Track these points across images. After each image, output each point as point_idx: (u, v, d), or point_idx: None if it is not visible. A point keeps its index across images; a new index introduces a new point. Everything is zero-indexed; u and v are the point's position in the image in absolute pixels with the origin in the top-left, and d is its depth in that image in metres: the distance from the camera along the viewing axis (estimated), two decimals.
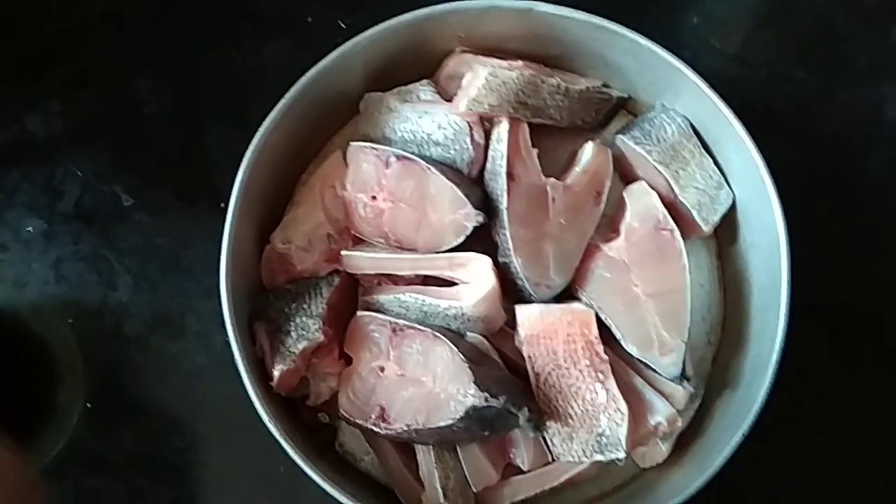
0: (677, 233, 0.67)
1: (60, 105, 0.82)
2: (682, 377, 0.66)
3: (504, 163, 0.66)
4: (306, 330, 0.66)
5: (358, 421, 0.65)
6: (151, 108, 0.82)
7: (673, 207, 0.69)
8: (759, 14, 0.86)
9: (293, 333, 0.66)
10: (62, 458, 0.75)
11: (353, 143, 0.70)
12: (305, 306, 0.67)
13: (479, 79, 0.66)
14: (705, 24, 0.85)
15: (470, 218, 0.65)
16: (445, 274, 0.67)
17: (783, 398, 0.63)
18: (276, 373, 0.64)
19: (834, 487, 0.74)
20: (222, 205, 0.66)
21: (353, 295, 0.72)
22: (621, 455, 0.63)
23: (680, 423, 0.66)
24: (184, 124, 0.82)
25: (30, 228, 0.80)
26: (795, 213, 0.65)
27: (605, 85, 0.74)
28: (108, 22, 0.83)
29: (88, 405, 0.76)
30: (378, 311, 0.68)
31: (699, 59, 0.67)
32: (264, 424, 0.63)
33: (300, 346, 0.65)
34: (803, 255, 0.64)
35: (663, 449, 0.67)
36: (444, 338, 0.63)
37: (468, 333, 0.67)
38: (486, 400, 0.59)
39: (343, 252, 0.69)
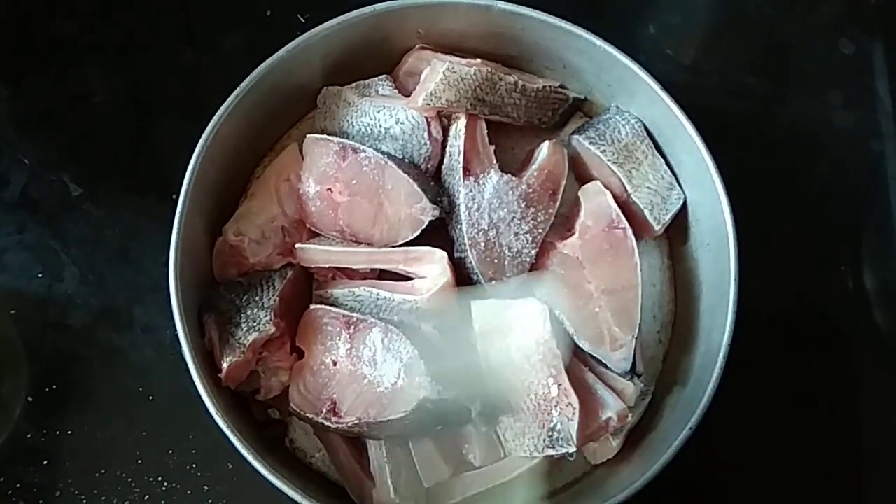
0: (630, 231, 0.68)
1: (7, 90, 0.80)
2: (633, 373, 0.66)
3: (461, 158, 0.67)
4: (257, 321, 0.65)
5: (309, 415, 0.65)
6: (102, 97, 0.80)
7: (626, 207, 0.70)
8: (712, 25, 0.89)
9: (244, 325, 0.65)
10: (2, 452, 0.73)
11: (309, 135, 0.69)
12: (257, 298, 0.66)
13: (436, 73, 0.66)
14: (661, 34, 0.87)
15: (426, 212, 0.65)
16: (401, 268, 0.67)
17: (730, 395, 0.64)
18: (224, 364, 0.63)
19: (777, 482, 0.75)
20: (174, 196, 0.65)
21: (306, 289, 0.71)
22: (572, 449, 0.63)
23: (630, 419, 0.67)
24: (135, 114, 0.80)
25: None
26: (743, 214, 0.66)
27: (561, 86, 0.75)
28: (60, 6, 0.81)
29: (30, 399, 0.74)
30: (332, 304, 0.68)
31: (654, 66, 0.69)
32: (212, 420, 0.62)
33: (250, 338, 0.64)
34: (751, 256, 0.66)
35: (613, 444, 0.68)
36: (398, 331, 0.63)
37: (422, 327, 0.67)
38: (439, 393, 0.59)
39: (297, 245, 0.69)
